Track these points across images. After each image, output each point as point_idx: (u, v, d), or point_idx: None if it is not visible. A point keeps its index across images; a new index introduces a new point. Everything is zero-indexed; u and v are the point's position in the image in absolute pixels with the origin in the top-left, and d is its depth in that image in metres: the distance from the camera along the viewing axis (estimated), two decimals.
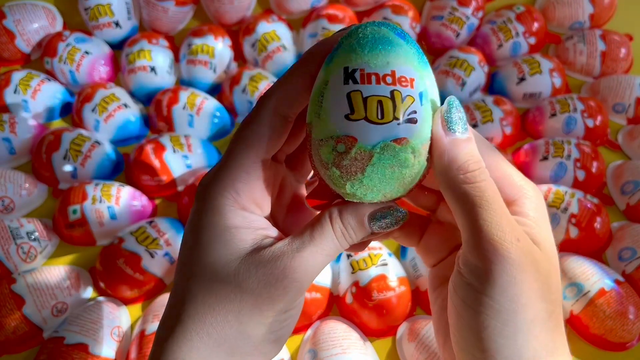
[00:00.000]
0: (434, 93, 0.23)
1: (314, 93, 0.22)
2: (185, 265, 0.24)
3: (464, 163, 0.22)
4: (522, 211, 0.24)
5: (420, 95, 0.22)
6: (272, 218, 0.26)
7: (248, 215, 0.24)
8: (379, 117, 0.21)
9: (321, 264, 0.23)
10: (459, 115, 0.22)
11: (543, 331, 0.22)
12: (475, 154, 0.22)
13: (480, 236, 0.22)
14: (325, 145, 0.22)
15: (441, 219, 0.29)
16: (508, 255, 0.21)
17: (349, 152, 0.21)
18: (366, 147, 0.21)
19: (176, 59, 0.68)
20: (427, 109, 0.22)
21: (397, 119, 0.21)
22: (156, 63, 0.65)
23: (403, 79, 0.21)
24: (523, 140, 0.63)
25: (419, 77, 0.22)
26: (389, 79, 0.21)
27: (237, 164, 0.23)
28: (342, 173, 0.22)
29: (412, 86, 0.21)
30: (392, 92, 0.21)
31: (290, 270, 0.22)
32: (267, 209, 0.25)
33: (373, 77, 0.21)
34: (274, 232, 0.24)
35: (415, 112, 0.21)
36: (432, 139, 0.22)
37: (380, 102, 0.21)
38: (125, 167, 0.61)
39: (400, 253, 0.54)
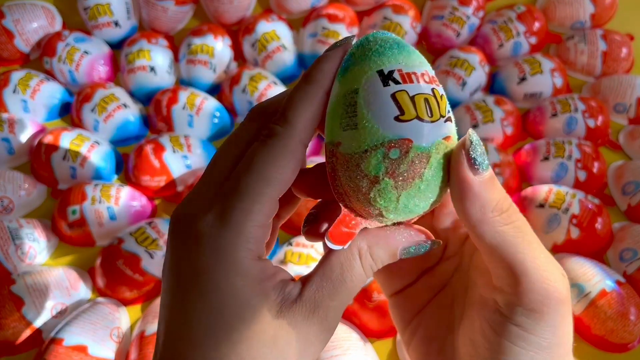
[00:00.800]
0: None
1: (335, 107, 0.20)
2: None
3: (497, 204, 0.20)
4: None
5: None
6: None
7: (263, 264, 0.20)
8: (429, 115, 0.20)
9: (349, 301, 0.22)
10: (482, 150, 0.20)
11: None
12: (502, 190, 0.21)
13: (531, 281, 0.20)
14: (371, 156, 0.19)
15: None
16: (560, 295, 0.21)
17: (406, 155, 0.19)
18: (423, 147, 0.19)
19: (176, 58, 0.68)
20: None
21: (443, 116, 0.20)
22: (156, 63, 0.65)
23: (434, 78, 0.21)
24: (524, 141, 0.63)
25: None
26: (426, 77, 0.20)
27: (254, 206, 0.20)
28: (396, 182, 0.20)
29: (439, 85, 0.21)
30: (432, 90, 0.20)
31: (329, 320, 0.21)
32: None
33: (413, 76, 0.20)
34: (286, 273, 0.22)
35: (450, 110, 0.21)
36: (454, 179, 0.20)
37: (426, 100, 0.20)
38: (125, 167, 0.61)
39: None
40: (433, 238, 0.23)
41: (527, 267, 0.20)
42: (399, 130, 0.19)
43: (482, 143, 0.20)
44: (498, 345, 0.21)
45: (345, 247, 0.22)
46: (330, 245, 0.21)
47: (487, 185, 0.20)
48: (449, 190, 0.21)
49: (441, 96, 0.20)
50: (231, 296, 0.19)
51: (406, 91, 0.20)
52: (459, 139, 0.21)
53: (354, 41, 0.22)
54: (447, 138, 0.20)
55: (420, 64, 0.21)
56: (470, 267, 0.25)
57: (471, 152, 0.20)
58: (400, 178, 0.20)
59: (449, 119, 0.21)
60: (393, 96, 0.19)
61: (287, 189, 0.21)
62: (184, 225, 0.20)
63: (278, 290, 0.20)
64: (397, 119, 0.19)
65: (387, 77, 0.20)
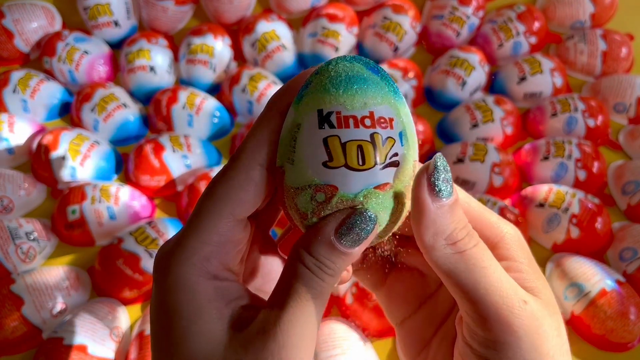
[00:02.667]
0: (411, 129, 0.21)
1: (285, 135, 0.20)
2: None
3: (452, 233, 0.20)
4: (508, 255, 0.22)
5: (400, 135, 0.20)
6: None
7: (220, 284, 0.20)
8: (360, 163, 0.19)
9: (314, 314, 0.20)
10: (446, 176, 0.19)
11: None
12: (462, 218, 0.20)
13: (485, 308, 0.20)
14: (302, 194, 0.20)
15: (406, 263, 0.26)
16: (521, 323, 0.19)
17: (329, 201, 0.20)
18: (348, 195, 0.19)
19: (175, 58, 0.68)
20: (407, 148, 0.20)
21: (379, 163, 0.19)
22: (155, 62, 0.65)
23: (382, 120, 0.20)
24: (524, 140, 0.63)
25: (396, 115, 0.20)
26: (367, 121, 0.19)
27: (206, 225, 0.20)
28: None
29: (391, 127, 0.20)
30: (372, 136, 0.19)
31: (284, 343, 0.19)
32: (240, 270, 0.23)
33: (351, 121, 0.19)
34: (247, 298, 0.21)
35: (396, 154, 0.20)
36: (414, 202, 0.20)
37: (360, 147, 0.19)
38: (125, 167, 0.60)
39: None
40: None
41: (481, 296, 0.20)
42: (326, 176, 0.19)
43: (448, 169, 0.20)
44: None
45: None
46: (284, 255, 0.22)
47: (445, 213, 0.20)
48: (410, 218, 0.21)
49: (385, 140, 0.20)
50: (177, 314, 0.20)
51: (338, 137, 0.19)
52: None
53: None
54: (381, 186, 0.20)
55: (367, 105, 0.20)
56: None
57: (433, 178, 0.19)
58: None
59: (391, 164, 0.20)
60: (325, 140, 0.19)
61: (252, 206, 0.21)
62: (158, 253, 0.22)
63: (231, 313, 0.20)
64: (325, 164, 0.19)
65: (323, 119, 0.19)
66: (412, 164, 0.21)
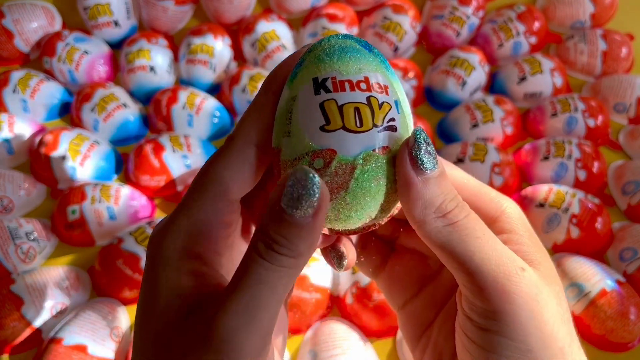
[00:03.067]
0: (406, 104, 0.21)
1: (279, 114, 0.20)
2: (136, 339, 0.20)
3: (441, 204, 0.19)
4: (509, 228, 0.22)
5: (396, 103, 0.20)
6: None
7: (198, 265, 0.20)
8: (358, 124, 0.19)
9: (265, 304, 0.18)
10: (428, 149, 0.19)
11: (574, 355, 0.21)
12: (451, 190, 0.20)
13: (482, 278, 0.19)
14: (299, 164, 0.19)
15: (406, 246, 0.26)
16: (520, 290, 0.19)
17: (328, 166, 0.19)
18: (347, 158, 0.19)
19: (175, 58, 0.68)
20: (403, 118, 0.20)
21: (377, 126, 0.19)
22: (155, 62, 0.65)
23: (377, 86, 0.20)
24: (524, 140, 0.63)
25: (391, 86, 0.20)
26: (363, 85, 0.19)
27: (198, 204, 0.20)
28: None
29: (387, 93, 0.20)
30: (368, 99, 0.19)
31: (218, 329, 0.17)
32: (227, 254, 0.22)
33: (347, 84, 0.19)
34: (215, 279, 0.21)
35: (393, 119, 0.20)
36: (399, 179, 0.20)
37: (357, 109, 0.19)
38: (125, 167, 0.60)
39: None
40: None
41: (477, 265, 0.19)
42: (324, 140, 0.19)
43: (429, 141, 0.20)
44: (478, 355, 0.21)
45: None
46: None
47: (431, 185, 0.19)
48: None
49: (381, 104, 0.19)
50: (147, 288, 0.20)
51: (335, 100, 0.19)
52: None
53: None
54: (382, 149, 0.19)
55: (361, 70, 0.20)
56: None
57: (414, 151, 0.19)
58: None
59: (389, 128, 0.20)
60: (321, 105, 0.19)
61: (246, 185, 0.21)
62: (153, 229, 0.22)
63: (196, 294, 0.19)
64: (322, 128, 0.19)
65: (319, 86, 0.19)
66: (398, 161, 0.20)
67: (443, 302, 0.26)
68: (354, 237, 0.27)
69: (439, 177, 0.20)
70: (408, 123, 0.21)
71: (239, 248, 0.23)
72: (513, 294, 0.19)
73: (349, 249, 0.24)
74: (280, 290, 0.18)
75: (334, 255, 0.23)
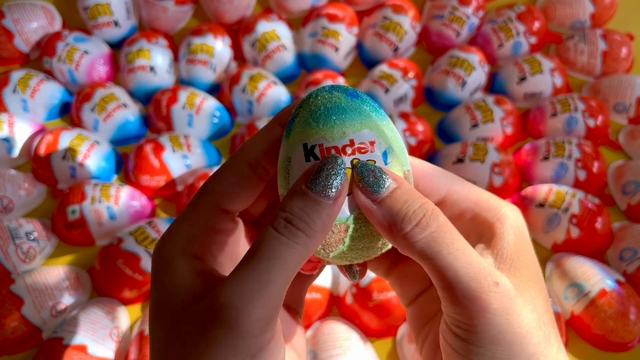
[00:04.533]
0: (398, 143, 0.22)
1: (280, 166, 0.22)
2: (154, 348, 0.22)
3: (404, 217, 0.20)
4: (498, 232, 0.23)
5: (385, 154, 0.22)
6: None
7: (198, 263, 0.22)
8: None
9: (282, 274, 0.19)
10: (373, 176, 0.21)
11: (549, 358, 0.21)
12: (415, 200, 0.21)
13: (454, 293, 0.20)
14: None
15: None
16: (490, 307, 0.20)
17: None
18: (340, 220, 0.21)
19: (175, 58, 0.68)
20: (393, 165, 0.22)
21: None
22: (155, 62, 0.65)
23: (362, 145, 0.21)
24: (524, 140, 0.63)
25: (378, 136, 0.22)
26: (348, 150, 0.21)
27: (195, 212, 0.22)
28: (323, 246, 0.22)
29: (372, 150, 0.21)
30: (352, 162, 0.21)
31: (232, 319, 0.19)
32: (227, 263, 0.24)
33: (332, 151, 0.21)
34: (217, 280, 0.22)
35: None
36: (361, 213, 0.21)
37: None
38: (125, 167, 0.60)
39: None
40: None
41: (449, 278, 0.20)
42: None
43: (371, 168, 0.21)
44: (452, 356, 0.22)
45: (315, 273, 0.25)
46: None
47: (387, 203, 0.20)
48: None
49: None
50: (154, 286, 0.22)
51: None
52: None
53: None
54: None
55: (346, 134, 0.21)
56: None
57: (360, 184, 0.21)
58: (324, 243, 0.22)
59: None
60: None
61: (240, 199, 0.23)
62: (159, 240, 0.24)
63: (200, 285, 0.21)
64: None
65: (308, 153, 0.21)
66: (403, 175, 0.22)
67: None
68: None
69: (395, 192, 0.21)
70: (402, 160, 0.22)
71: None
72: (484, 311, 0.20)
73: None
74: (292, 267, 0.19)
75: (347, 268, 0.24)
